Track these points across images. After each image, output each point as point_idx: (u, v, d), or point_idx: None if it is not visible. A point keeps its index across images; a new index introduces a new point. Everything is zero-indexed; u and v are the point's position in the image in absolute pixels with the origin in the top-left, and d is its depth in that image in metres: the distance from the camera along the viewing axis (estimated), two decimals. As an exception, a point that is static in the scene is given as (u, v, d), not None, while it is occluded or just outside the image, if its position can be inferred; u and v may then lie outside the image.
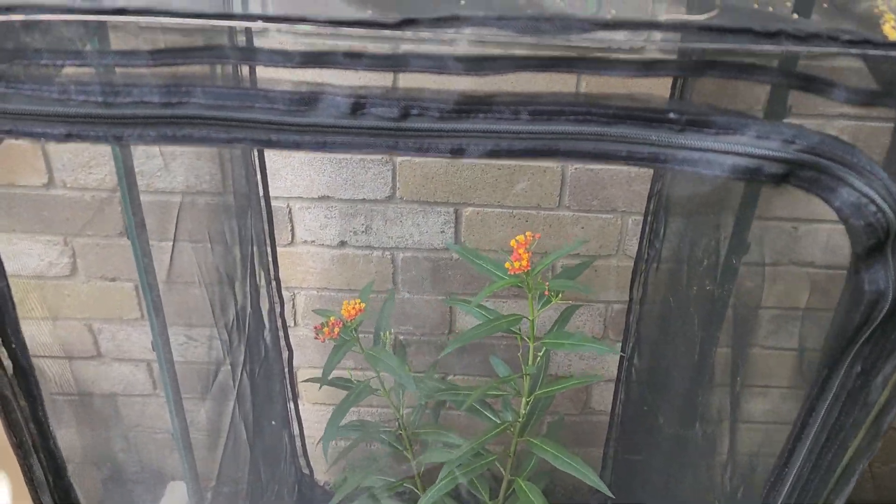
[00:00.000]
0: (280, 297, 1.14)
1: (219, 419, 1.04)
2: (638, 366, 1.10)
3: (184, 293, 0.95)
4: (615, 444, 1.23)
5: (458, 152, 0.35)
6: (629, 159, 0.36)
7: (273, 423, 1.21)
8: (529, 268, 0.83)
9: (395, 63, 0.33)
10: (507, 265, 0.84)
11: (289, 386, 1.23)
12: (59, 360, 1.30)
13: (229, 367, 1.02)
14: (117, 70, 0.34)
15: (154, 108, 0.34)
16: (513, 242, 0.86)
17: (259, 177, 1.07)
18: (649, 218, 1.00)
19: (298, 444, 1.31)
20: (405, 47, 0.34)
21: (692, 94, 0.81)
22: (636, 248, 1.14)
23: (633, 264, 1.09)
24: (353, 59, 0.33)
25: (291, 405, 1.27)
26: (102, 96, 0.34)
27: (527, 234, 0.86)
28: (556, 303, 0.86)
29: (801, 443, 0.47)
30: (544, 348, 0.90)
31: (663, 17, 0.34)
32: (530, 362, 0.91)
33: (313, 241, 1.18)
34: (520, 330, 0.91)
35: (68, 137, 0.35)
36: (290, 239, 1.18)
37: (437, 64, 0.33)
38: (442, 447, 1.01)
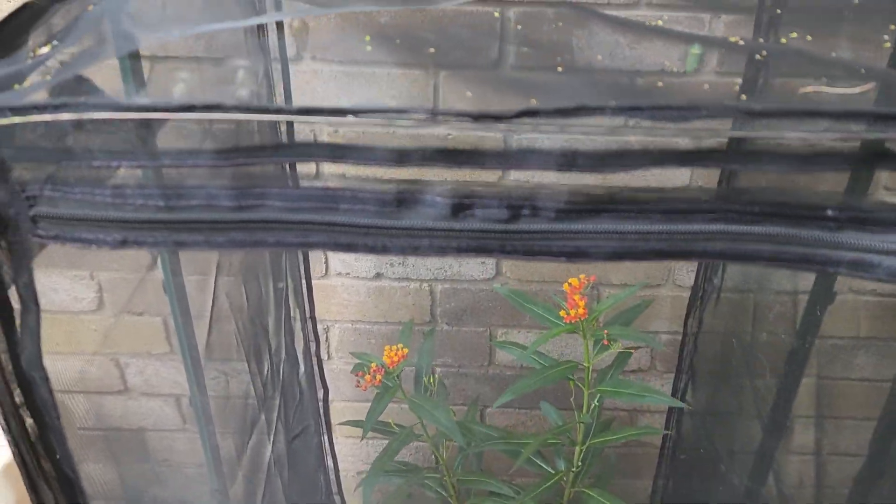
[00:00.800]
0: (316, 336, 1.09)
1: (254, 459, 0.99)
2: (692, 402, 1.04)
3: (219, 336, 0.90)
4: (665, 480, 1.17)
5: (574, 256, 0.30)
6: (775, 261, 0.30)
7: (308, 462, 1.17)
8: (586, 315, 0.78)
9: (506, 161, 0.28)
10: (561, 313, 0.79)
11: (324, 423, 1.19)
12: (85, 395, 1.26)
13: (265, 413, 0.98)
14: (178, 170, 0.29)
15: (223, 211, 0.30)
16: (566, 286, 0.80)
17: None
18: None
19: (333, 479, 1.27)
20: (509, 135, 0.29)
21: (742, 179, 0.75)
22: (686, 277, 1.08)
23: (686, 296, 1.03)
24: (458, 158, 0.28)
25: (325, 439, 1.23)
26: (164, 199, 0.29)
27: (581, 277, 0.81)
28: (613, 351, 0.81)
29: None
30: (599, 394, 0.85)
31: (809, 89, 0.29)
32: (585, 410, 0.85)
33: (348, 274, 1.13)
34: (572, 374, 0.85)
35: (124, 244, 0.30)
36: (324, 271, 1.13)
37: (556, 161, 0.28)
38: (489, 495, 0.95)
